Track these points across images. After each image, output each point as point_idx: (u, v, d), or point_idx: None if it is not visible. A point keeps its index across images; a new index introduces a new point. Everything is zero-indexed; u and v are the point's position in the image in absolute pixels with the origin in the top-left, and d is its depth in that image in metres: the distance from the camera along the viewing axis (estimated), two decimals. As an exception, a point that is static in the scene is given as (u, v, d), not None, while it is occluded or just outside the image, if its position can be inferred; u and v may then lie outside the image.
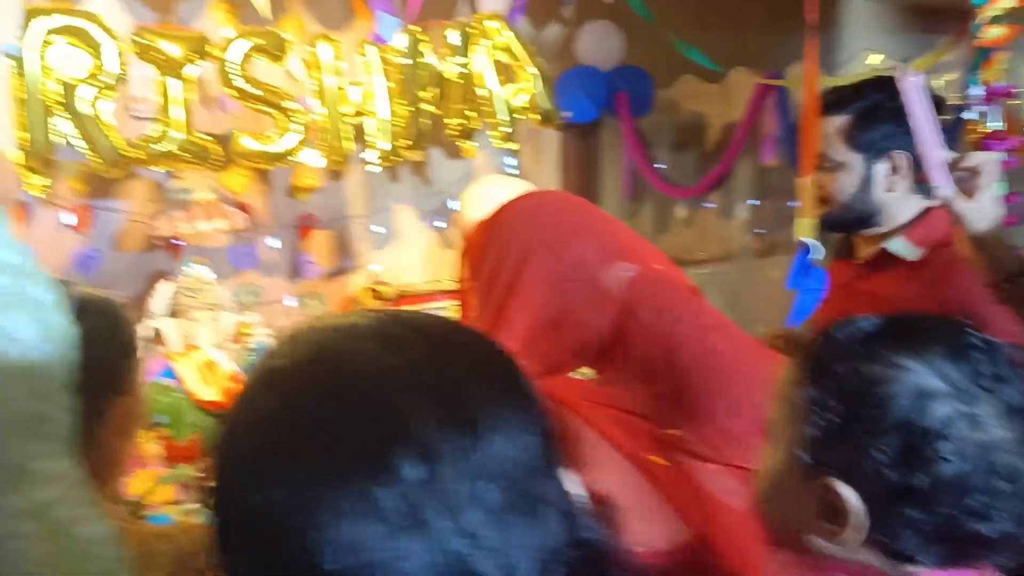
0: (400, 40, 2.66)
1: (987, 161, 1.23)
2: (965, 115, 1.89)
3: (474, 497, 0.52)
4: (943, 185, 1.21)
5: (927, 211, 1.67)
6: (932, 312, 0.85)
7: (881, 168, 1.65)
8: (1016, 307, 1.24)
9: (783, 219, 3.45)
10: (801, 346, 0.85)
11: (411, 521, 0.51)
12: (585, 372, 1.10)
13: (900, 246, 1.65)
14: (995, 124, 1.82)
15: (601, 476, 0.97)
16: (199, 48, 2.28)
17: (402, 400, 0.54)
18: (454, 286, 3.08)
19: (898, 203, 1.67)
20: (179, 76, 2.23)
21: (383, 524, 0.51)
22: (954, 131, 2.28)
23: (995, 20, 1.70)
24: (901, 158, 1.63)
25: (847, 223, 1.76)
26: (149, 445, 2.02)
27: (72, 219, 2.58)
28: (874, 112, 1.65)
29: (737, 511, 0.99)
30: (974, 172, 1.22)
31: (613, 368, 1.07)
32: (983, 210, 1.20)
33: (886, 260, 1.68)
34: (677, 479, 0.99)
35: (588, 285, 1.10)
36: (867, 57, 3.17)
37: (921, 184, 1.60)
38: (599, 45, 3.37)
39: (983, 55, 1.74)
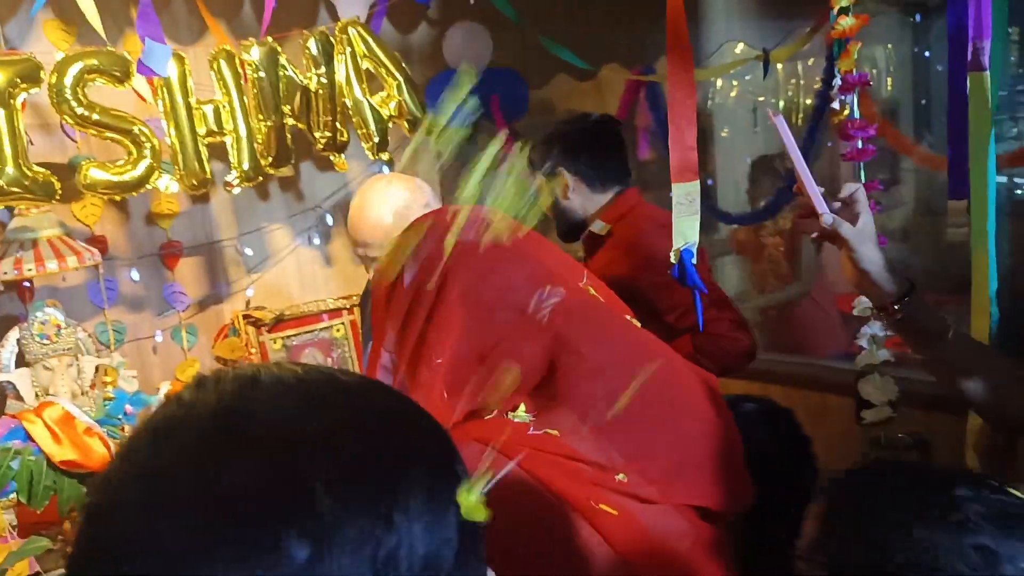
0: (254, 52, 2.52)
1: (859, 189, 1.24)
2: (833, 104, 1.91)
3: None
4: (825, 212, 1.20)
5: (616, 197, 2.13)
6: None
7: (557, 184, 2.10)
8: (906, 330, 1.24)
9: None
10: (821, 497, 0.84)
11: None
12: (520, 415, 1.01)
13: (596, 226, 2.12)
14: (854, 113, 1.85)
15: (544, 532, 0.90)
16: (29, 73, 2.09)
17: (307, 470, 0.46)
18: (337, 304, 2.98)
19: (584, 203, 2.14)
20: (6, 105, 2.04)
21: None
22: (817, 122, 2.32)
23: (842, 11, 1.72)
24: (564, 175, 2.11)
25: (565, 230, 2.21)
26: (0, 517, 1.83)
27: None
28: (544, 142, 2.15)
29: (687, 556, 0.95)
30: (851, 200, 1.23)
31: (548, 405, 0.99)
32: (864, 233, 1.21)
33: (594, 240, 2.12)
34: (626, 527, 0.93)
35: (515, 312, 1.02)
36: (734, 47, 3.21)
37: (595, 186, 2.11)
38: (467, 47, 3.29)
39: (840, 45, 1.76)
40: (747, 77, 3.55)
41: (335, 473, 0.46)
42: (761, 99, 3.41)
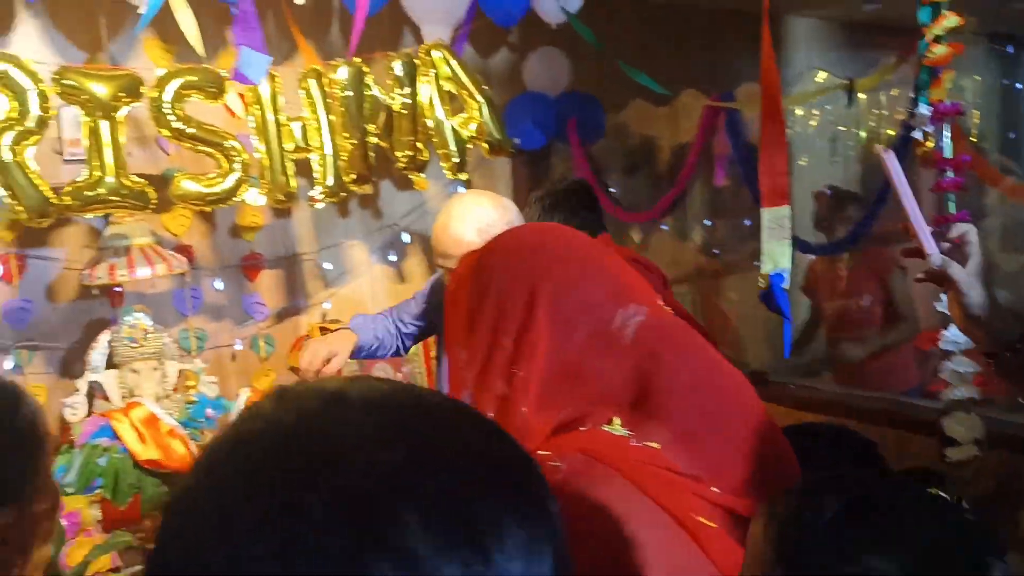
0: (342, 72, 2.59)
1: (970, 229, 1.19)
2: (914, 134, 1.87)
3: None
4: (934, 253, 1.17)
5: None
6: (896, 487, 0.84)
7: None
8: (1017, 376, 1.19)
9: (738, 239, 3.44)
10: (768, 512, 0.83)
11: None
12: (617, 429, 1.02)
13: None
14: (944, 143, 1.80)
15: (651, 541, 0.91)
16: (130, 88, 2.19)
17: (395, 500, 0.43)
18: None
19: None
20: (109, 118, 2.14)
21: None
22: (902, 153, 2.27)
23: (938, 39, 1.68)
24: None
25: None
26: (86, 511, 1.90)
27: None
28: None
29: None
30: (961, 240, 1.19)
31: (644, 421, 1.00)
32: (974, 274, 1.16)
33: None
34: (723, 541, 0.93)
35: (600, 330, 1.03)
36: (814, 75, 3.18)
37: None
38: (546, 71, 3.33)
39: (929, 74, 1.73)
40: (827, 107, 3.50)
41: (429, 506, 0.44)
42: (842, 129, 3.36)
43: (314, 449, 0.46)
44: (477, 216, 1.82)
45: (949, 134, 1.83)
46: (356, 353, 2.14)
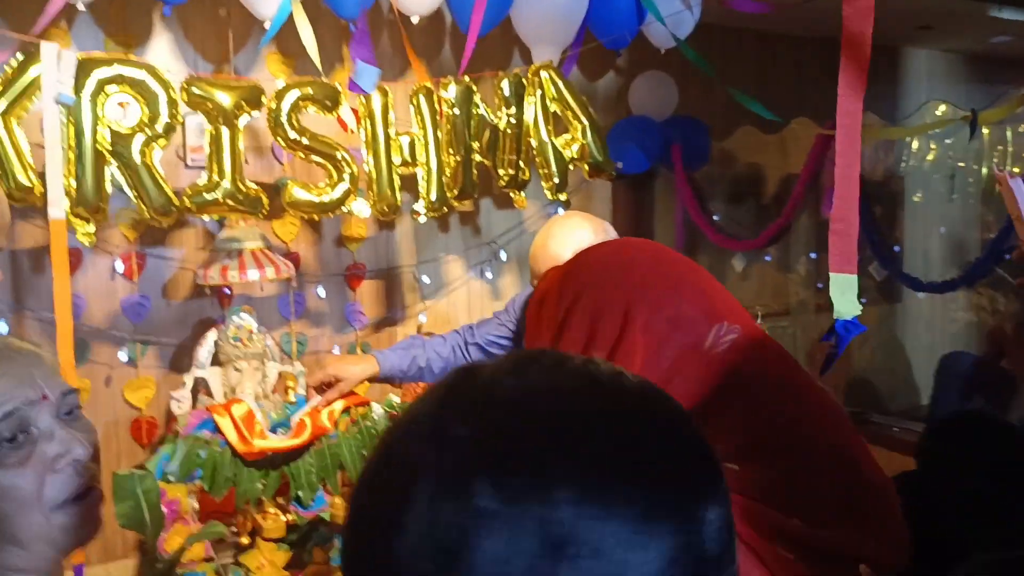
0: (451, 90, 2.65)
1: None
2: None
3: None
4: None
5: None
6: None
7: None
8: None
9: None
10: None
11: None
12: None
13: None
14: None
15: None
16: (252, 98, 2.29)
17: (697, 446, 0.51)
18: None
19: None
20: (230, 125, 2.24)
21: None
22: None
23: None
24: None
25: None
26: (185, 499, 1.98)
27: (121, 266, 2.60)
28: None
29: None
30: None
31: (725, 443, 0.98)
32: None
33: None
34: (797, 570, 0.91)
35: (691, 347, 1.02)
36: (936, 107, 3.06)
37: None
38: (653, 96, 3.32)
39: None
40: (947, 140, 3.36)
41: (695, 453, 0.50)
42: (962, 165, 3.22)
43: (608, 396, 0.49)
44: (577, 238, 1.81)
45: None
46: (390, 379, 2.11)
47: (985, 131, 3.09)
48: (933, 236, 3.58)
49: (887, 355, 3.58)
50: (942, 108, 3.08)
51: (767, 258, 3.54)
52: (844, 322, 1.45)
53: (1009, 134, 3.20)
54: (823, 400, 1.06)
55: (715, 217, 3.51)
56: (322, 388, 2.09)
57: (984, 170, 3.36)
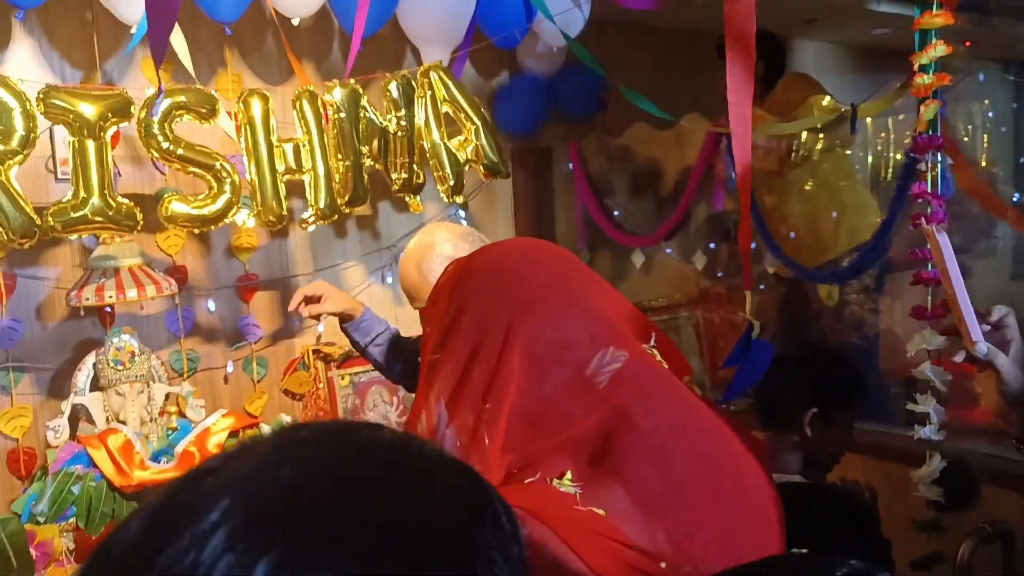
0: (336, 93, 2.57)
1: (1008, 313, 1.14)
2: (922, 165, 1.81)
3: None
4: (980, 342, 1.10)
5: None
6: None
7: None
8: None
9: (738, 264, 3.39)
10: None
11: None
12: (566, 485, 0.96)
13: None
14: (938, 175, 1.74)
15: None
16: (119, 108, 2.17)
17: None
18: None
19: None
20: (96, 137, 2.12)
21: None
22: (905, 181, 2.22)
23: (923, 68, 1.62)
24: None
25: None
26: (58, 540, 1.86)
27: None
28: None
29: None
30: (1001, 324, 1.13)
31: (598, 478, 0.94)
32: (1018, 362, 1.11)
33: None
34: None
35: (574, 374, 0.98)
36: (821, 100, 3.13)
37: None
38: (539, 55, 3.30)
39: (918, 104, 1.67)
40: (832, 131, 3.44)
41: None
42: (848, 152, 3.30)
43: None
44: (428, 252, 1.81)
45: (938, 165, 1.76)
46: (358, 334, 2.10)
47: (868, 120, 3.17)
48: (827, 221, 3.66)
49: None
50: (826, 100, 3.14)
51: (668, 251, 3.57)
52: (756, 342, 1.42)
53: (891, 122, 3.30)
54: (713, 430, 1.03)
55: (615, 213, 3.52)
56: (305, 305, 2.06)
57: (869, 158, 3.47)
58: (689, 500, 0.94)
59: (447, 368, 1.04)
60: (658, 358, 1.08)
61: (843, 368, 1.75)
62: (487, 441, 0.98)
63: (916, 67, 1.62)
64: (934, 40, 1.57)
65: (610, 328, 1.04)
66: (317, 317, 2.04)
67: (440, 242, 1.80)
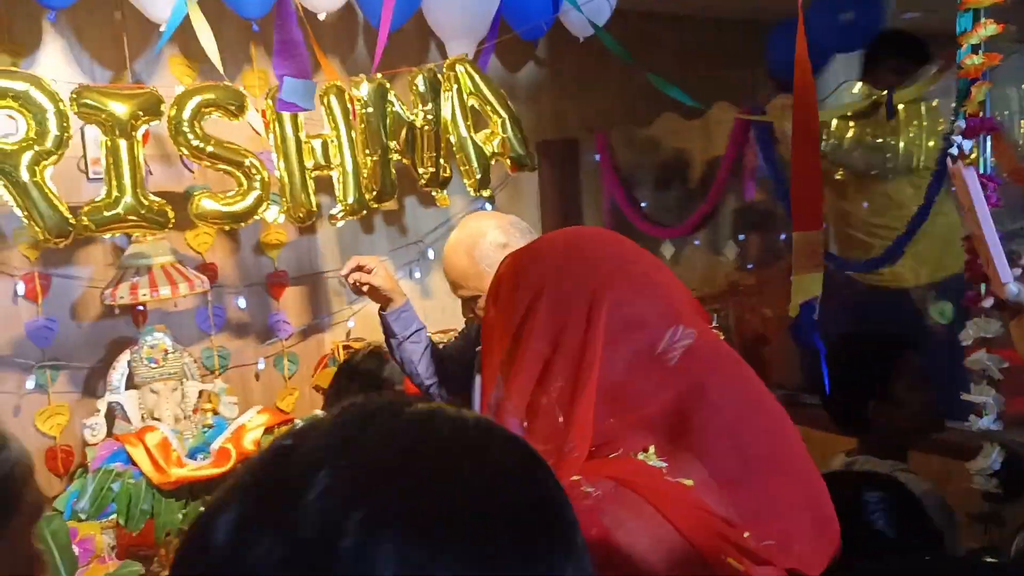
0: (363, 88, 2.56)
1: None
2: (952, 150, 1.77)
3: None
4: (1010, 282, 1.07)
5: None
6: None
7: None
8: None
9: (771, 255, 3.35)
10: None
11: None
12: (652, 458, 0.97)
13: None
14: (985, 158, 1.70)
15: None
16: (150, 106, 2.17)
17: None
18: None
19: None
20: (128, 136, 2.12)
21: None
22: (942, 167, 2.17)
23: (973, 49, 1.58)
24: None
25: None
26: (100, 537, 1.87)
27: (23, 288, 2.46)
28: None
29: None
30: None
31: (680, 454, 0.95)
32: None
33: None
34: None
35: (646, 349, 0.99)
36: (852, 87, 3.08)
37: None
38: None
39: (966, 85, 1.62)
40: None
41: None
42: (879, 141, 3.24)
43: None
44: (478, 240, 1.79)
45: (988, 149, 1.72)
46: (395, 325, 2.05)
47: (900, 107, 3.12)
48: (857, 212, 3.61)
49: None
50: (859, 87, 3.10)
51: (696, 243, 3.54)
52: (808, 305, 1.42)
53: (924, 109, 3.23)
54: (774, 411, 1.03)
55: (643, 204, 3.49)
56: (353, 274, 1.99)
57: (901, 144, 3.40)
58: (762, 474, 0.96)
59: (529, 353, 1.05)
60: (721, 337, 1.09)
61: (913, 354, 1.73)
62: (560, 419, 0.99)
63: (965, 47, 1.58)
64: (983, 20, 1.53)
65: (678, 306, 1.06)
66: (361, 289, 1.98)
67: (490, 229, 1.79)
